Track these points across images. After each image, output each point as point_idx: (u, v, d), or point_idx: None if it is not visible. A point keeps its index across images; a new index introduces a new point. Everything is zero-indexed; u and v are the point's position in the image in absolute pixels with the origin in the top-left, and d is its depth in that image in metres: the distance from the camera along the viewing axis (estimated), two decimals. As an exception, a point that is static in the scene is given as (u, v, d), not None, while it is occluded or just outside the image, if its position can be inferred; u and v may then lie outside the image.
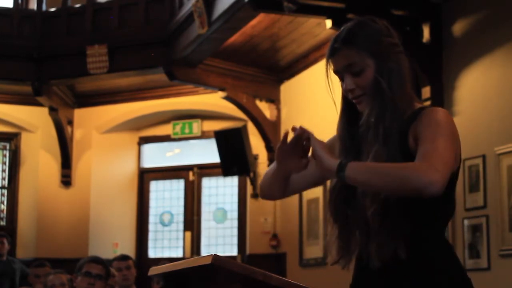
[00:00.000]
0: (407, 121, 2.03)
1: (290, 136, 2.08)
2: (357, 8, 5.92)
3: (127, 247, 9.40)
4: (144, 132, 9.90)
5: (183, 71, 8.13)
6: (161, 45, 8.11)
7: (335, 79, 2.15)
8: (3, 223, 9.67)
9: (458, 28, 5.99)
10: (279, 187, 2.23)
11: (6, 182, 9.76)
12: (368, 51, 2.05)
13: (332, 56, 2.10)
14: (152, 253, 9.74)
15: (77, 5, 8.87)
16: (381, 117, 2.03)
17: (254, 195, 8.91)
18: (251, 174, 8.62)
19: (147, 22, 8.34)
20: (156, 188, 9.90)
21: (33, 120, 9.71)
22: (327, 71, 2.12)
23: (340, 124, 2.17)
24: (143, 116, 9.67)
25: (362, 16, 2.16)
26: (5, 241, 8.09)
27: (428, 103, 5.83)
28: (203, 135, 9.49)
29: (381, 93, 2.04)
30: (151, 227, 9.81)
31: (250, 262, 6.85)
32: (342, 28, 2.13)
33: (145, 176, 9.91)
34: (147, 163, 9.94)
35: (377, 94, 2.05)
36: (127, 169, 9.86)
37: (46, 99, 9.00)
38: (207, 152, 9.33)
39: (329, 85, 2.13)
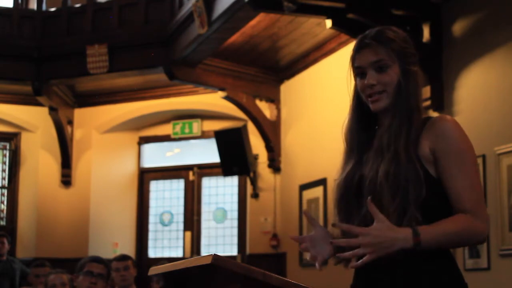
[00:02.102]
0: (418, 127, 2.08)
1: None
2: (357, 8, 5.91)
3: (127, 247, 9.40)
4: (144, 132, 9.89)
5: (183, 71, 8.13)
6: (161, 45, 8.11)
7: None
8: (3, 223, 9.67)
9: (458, 28, 5.98)
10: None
11: (6, 182, 9.76)
12: (395, 52, 2.12)
13: (360, 50, 2.15)
14: (152, 253, 9.74)
15: (77, 5, 8.87)
16: (399, 132, 2.08)
17: (254, 195, 8.91)
18: (251, 174, 8.62)
19: (147, 22, 8.34)
20: (156, 188, 9.89)
21: (33, 120, 9.70)
22: (352, 65, 2.17)
23: (349, 126, 2.21)
24: (143, 116, 9.67)
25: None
26: (5, 241, 8.10)
27: (428, 103, 5.84)
28: (203, 135, 9.49)
29: (403, 94, 2.11)
30: (151, 227, 9.81)
31: (250, 262, 6.85)
32: (368, 30, 2.19)
33: (145, 176, 9.91)
34: (147, 163, 9.94)
35: (398, 95, 2.11)
36: (127, 169, 9.86)
37: (46, 99, 9.00)
38: (207, 152, 9.33)
39: (353, 75, 2.18)
